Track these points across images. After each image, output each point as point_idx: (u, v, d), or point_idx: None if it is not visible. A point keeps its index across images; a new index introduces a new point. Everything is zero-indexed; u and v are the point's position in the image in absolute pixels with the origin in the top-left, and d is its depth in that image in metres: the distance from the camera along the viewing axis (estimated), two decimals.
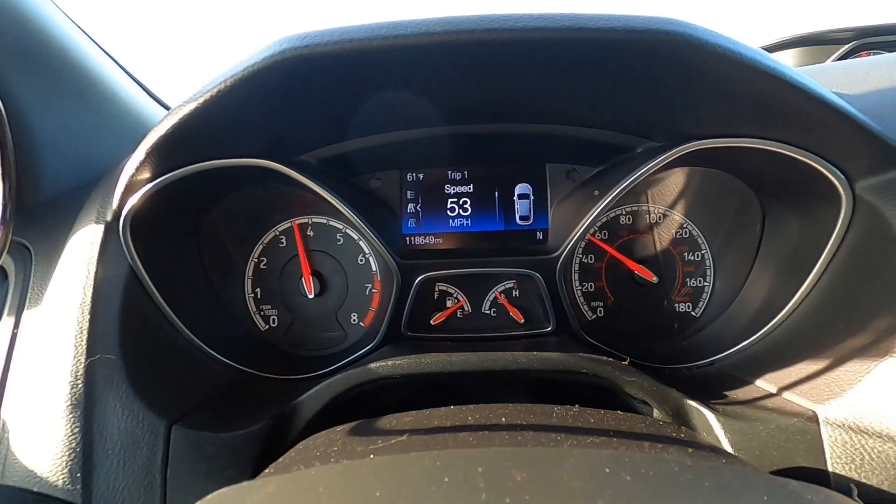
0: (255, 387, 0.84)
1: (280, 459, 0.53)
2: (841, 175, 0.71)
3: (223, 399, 0.77)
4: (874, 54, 2.02)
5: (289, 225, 1.01)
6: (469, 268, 0.96)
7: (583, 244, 1.02)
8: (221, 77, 0.61)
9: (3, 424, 0.65)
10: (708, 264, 1.01)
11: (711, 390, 0.74)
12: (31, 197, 0.87)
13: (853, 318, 0.69)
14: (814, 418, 0.61)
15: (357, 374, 0.71)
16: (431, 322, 0.99)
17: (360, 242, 1.01)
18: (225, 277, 0.97)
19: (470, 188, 1.03)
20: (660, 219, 1.02)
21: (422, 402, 0.63)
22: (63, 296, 0.70)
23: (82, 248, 0.73)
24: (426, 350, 0.76)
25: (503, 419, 0.54)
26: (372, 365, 0.72)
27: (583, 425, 0.53)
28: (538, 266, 0.94)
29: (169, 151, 0.70)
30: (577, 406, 0.60)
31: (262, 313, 1.01)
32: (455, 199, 1.03)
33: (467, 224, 1.03)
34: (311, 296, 0.98)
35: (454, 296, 1.00)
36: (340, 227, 1.01)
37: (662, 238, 1.02)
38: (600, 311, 1.02)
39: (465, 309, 1.00)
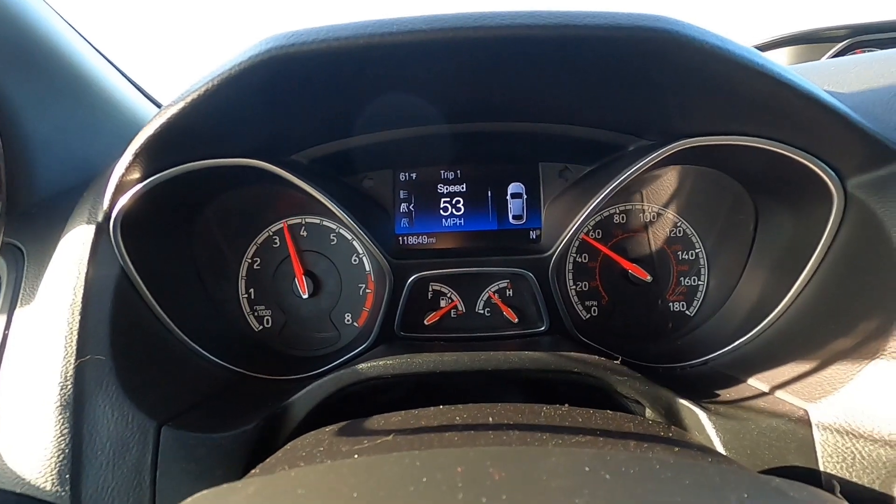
0: (247, 387, 0.83)
1: (267, 460, 0.53)
2: (832, 172, 0.71)
3: (215, 400, 0.77)
4: (868, 52, 2.01)
5: (281, 226, 1.01)
6: (462, 267, 0.96)
7: (576, 243, 1.01)
8: (209, 76, 0.60)
9: None
10: (702, 263, 1.00)
11: (704, 389, 0.74)
12: (24, 198, 0.86)
13: (845, 317, 0.68)
14: (805, 417, 0.61)
15: (348, 374, 0.71)
16: (425, 322, 0.98)
17: (354, 242, 1.01)
18: (218, 278, 0.97)
19: (463, 187, 1.03)
20: (654, 217, 1.01)
21: (414, 403, 0.63)
22: (54, 297, 0.70)
23: (74, 248, 0.73)
24: (420, 350, 0.75)
25: (490, 419, 0.54)
26: (363, 365, 0.72)
27: (570, 424, 0.53)
28: (531, 265, 0.93)
29: (158, 152, 0.70)
30: (566, 405, 0.59)
31: (255, 314, 1.01)
32: (448, 199, 1.03)
33: (460, 223, 1.03)
34: (304, 296, 0.98)
35: (448, 295, 1.00)
36: (334, 227, 1.01)
37: (656, 237, 1.01)
38: (594, 310, 1.02)
39: (459, 309, 1.00)
